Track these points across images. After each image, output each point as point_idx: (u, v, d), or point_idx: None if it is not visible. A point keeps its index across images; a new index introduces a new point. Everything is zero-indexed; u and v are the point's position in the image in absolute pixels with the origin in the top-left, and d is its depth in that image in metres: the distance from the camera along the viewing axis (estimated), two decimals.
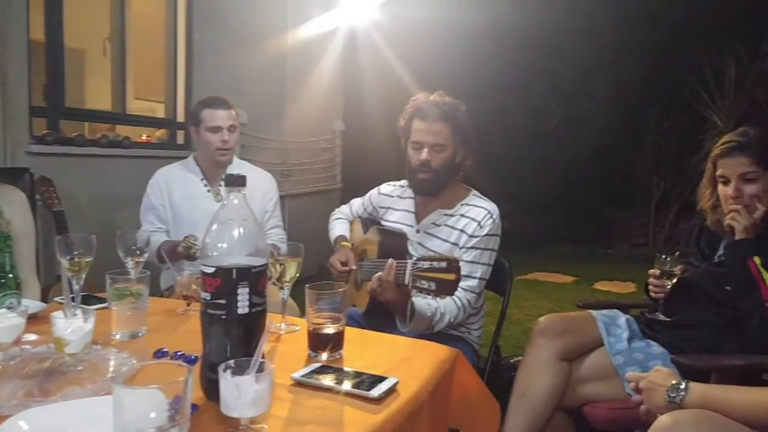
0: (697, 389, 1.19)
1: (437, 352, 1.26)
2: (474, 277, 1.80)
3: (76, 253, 1.31)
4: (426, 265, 1.42)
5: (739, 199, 1.65)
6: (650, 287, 1.83)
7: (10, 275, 1.65)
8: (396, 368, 1.14)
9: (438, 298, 1.59)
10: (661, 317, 1.79)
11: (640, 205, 7.25)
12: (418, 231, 1.93)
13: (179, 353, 1.19)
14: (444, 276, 1.38)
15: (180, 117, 4.09)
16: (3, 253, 1.64)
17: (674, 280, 1.76)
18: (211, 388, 0.95)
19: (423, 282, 1.42)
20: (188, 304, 1.57)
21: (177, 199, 2.33)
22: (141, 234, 1.54)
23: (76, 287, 1.31)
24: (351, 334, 1.29)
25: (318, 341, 1.21)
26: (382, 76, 6.23)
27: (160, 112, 4.44)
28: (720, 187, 1.72)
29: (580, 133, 7.20)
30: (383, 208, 2.09)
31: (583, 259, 6.69)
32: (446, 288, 1.39)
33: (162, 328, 1.40)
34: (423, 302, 1.68)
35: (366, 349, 1.28)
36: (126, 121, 3.92)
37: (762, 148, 1.63)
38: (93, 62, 5.39)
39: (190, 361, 1.15)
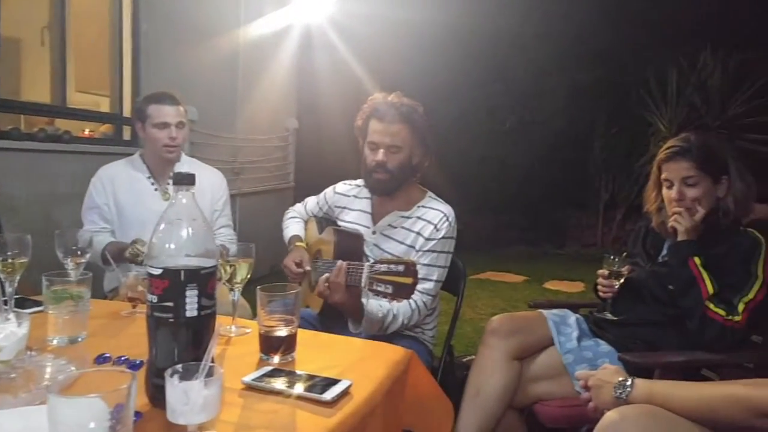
0: (642, 385, 1.23)
1: (391, 354, 1.25)
2: (430, 280, 1.80)
3: (9, 253, 1.26)
4: (383, 268, 1.41)
5: (682, 202, 1.72)
6: (599, 287, 1.88)
7: None
8: (350, 370, 1.13)
9: (395, 302, 1.58)
10: (609, 316, 1.84)
11: (590, 206, 7.47)
12: (374, 232, 1.92)
13: (123, 358, 1.15)
14: (401, 279, 1.38)
15: (126, 112, 3.94)
16: None
17: (622, 280, 1.81)
18: (156, 395, 0.91)
19: (380, 285, 1.41)
20: (134, 306, 1.51)
21: (122, 198, 2.24)
22: (83, 234, 1.48)
23: (9, 290, 1.26)
24: (304, 336, 1.27)
25: (269, 344, 1.18)
26: (338, 74, 6.21)
27: (104, 106, 4.27)
28: (664, 190, 1.78)
29: (534, 135, 7.38)
30: (339, 207, 2.07)
31: (534, 258, 6.85)
32: (403, 291, 1.39)
33: (105, 332, 1.34)
34: (375, 304, 1.67)
35: (319, 352, 1.26)
36: (66, 115, 3.74)
37: (701, 154, 1.70)
38: (30, 52, 5.12)
39: (135, 366, 1.11)
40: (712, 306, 1.59)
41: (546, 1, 7.03)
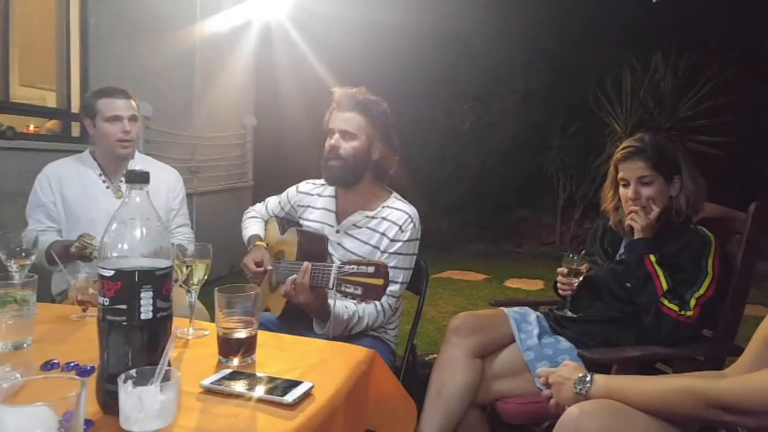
0: (601, 381, 1.25)
1: (353, 354, 1.24)
2: (396, 282, 1.79)
3: None
4: (352, 269, 1.39)
5: (638, 201, 1.76)
6: (559, 285, 1.91)
7: None
8: (311, 372, 1.11)
9: (363, 303, 1.56)
10: (569, 314, 1.87)
11: (548, 205, 7.62)
12: (338, 231, 1.90)
13: (72, 364, 1.10)
14: (372, 281, 1.35)
15: (75, 107, 3.79)
16: None
17: (581, 278, 1.85)
18: (109, 401, 0.88)
19: (349, 286, 1.38)
20: (84, 310, 1.45)
21: (71, 195, 2.15)
22: (27, 234, 1.41)
23: None
24: (265, 337, 1.24)
25: (228, 346, 1.15)
26: (297, 72, 6.15)
27: (51, 101, 4.10)
28: (621, 189, 1.82)
29: (492, 135, 7.48)
30: (302, 206, 2.03)
31: (494, 257, 6.93)
32: (373, 293, 1.36)
33: (52, 337, 1.28)
34: (340, 305, 1.65)
35: (280, 353, 1.23)
36: (10, 109, 3.56)
37: (656, 154, 1.75)
38: None
39: (85, 372, 1.06)
40: (666, 302, 1.64)
41: (504, 3, 7.14)
